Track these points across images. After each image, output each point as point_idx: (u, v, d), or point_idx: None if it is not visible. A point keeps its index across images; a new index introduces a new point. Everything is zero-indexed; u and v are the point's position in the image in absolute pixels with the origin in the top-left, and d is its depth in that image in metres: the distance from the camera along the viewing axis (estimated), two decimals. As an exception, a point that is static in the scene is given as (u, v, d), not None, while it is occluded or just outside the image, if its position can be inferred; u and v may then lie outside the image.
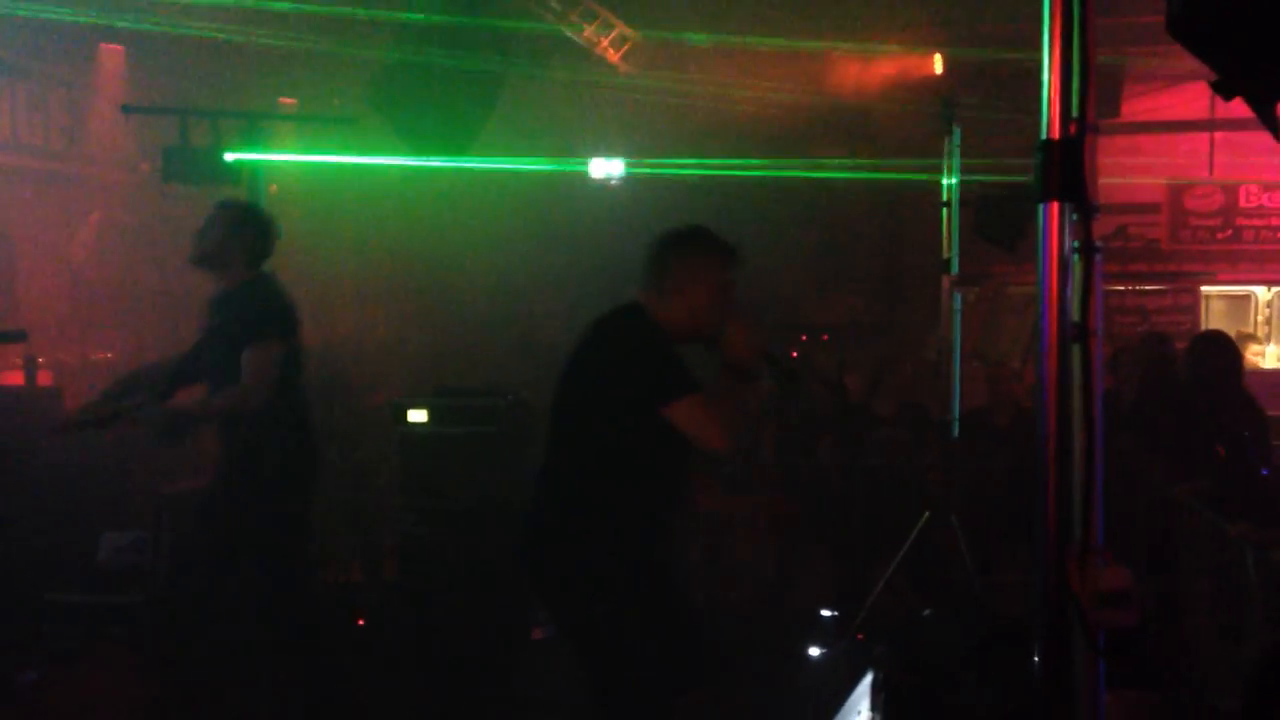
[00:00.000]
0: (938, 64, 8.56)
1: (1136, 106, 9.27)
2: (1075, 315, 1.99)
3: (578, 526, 3.10)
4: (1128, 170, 9.21)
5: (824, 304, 9.11)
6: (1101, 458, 1.99)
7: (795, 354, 7.33)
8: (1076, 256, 2.01)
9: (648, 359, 3.07)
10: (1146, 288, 9.31)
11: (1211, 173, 9.50)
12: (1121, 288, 9.21)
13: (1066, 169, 2.01)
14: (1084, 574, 1.93)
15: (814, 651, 3.72)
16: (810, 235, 9.18)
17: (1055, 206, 2.01)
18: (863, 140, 8.43)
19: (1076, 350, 1.98)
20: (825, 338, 7.88)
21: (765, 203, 8.47)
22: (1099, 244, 2.05)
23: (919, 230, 6.12)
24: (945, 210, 5.42)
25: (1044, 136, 2.02)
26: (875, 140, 8.24)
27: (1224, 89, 2.12)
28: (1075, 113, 1.97)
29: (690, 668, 3.15)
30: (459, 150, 7.79)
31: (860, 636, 4.12)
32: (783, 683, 3.83)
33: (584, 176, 8.95)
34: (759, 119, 8.58)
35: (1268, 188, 9.31)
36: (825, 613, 3.81)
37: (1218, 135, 9.31)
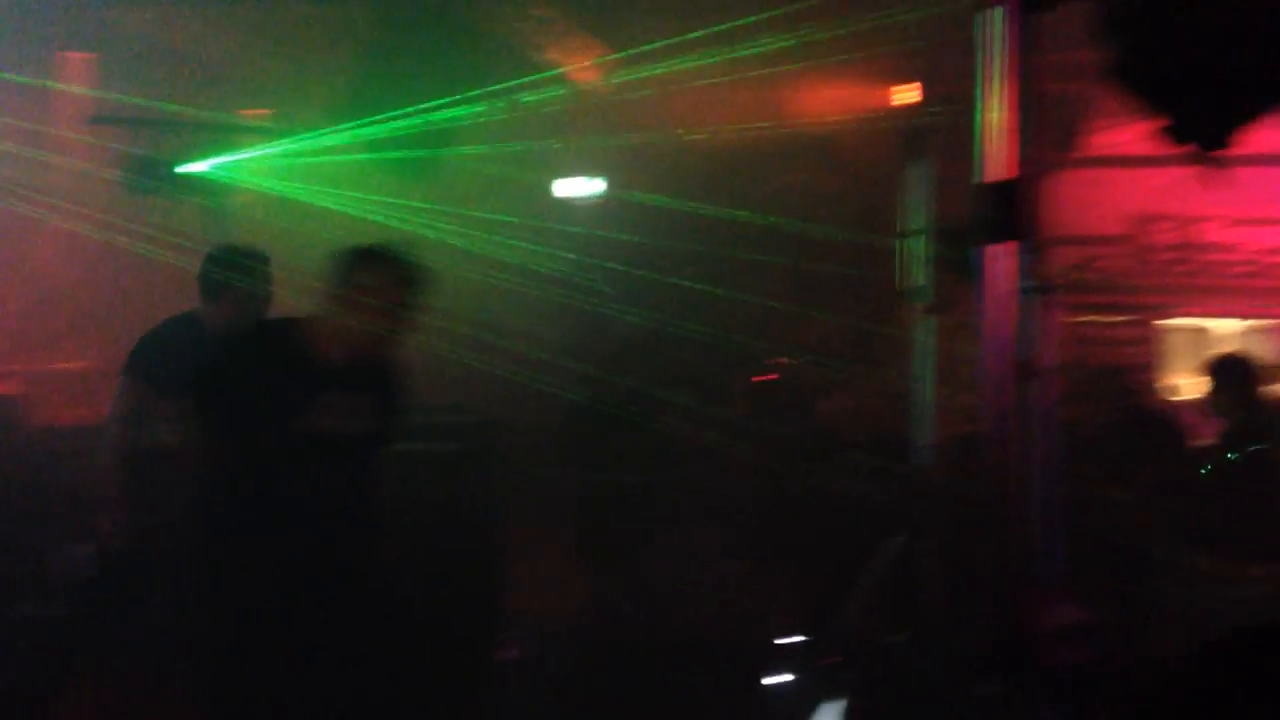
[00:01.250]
0: (904, 94, 8.63)
1: (1103, 140, 9.36)
2: (1027, 353, 2.02)
3: None
4: (1093, 203, 9.30)
5: (799, 329, 9.14)
6: (1057, 494, 2.01)
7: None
8: (1028, 295, 2.04)
9: None
10: (1108, 319, 9.41)
11: (1174, 207, 9.61)
12: (1084, 319, 9.31)
13: (1013, 210, 2.04)
14: (1038, 610, 1.94)
15: (771, 680, 3.70)
16: (780, 263, 9.21)
17: (1002, 246, 2.04)
18: (833, 168, 8.48)
19: (1029, 387, 2.00)
20: (798, 363, 7.91)
21: (735, 226, 8.51)
22: (1052, 282, 2.08)
23: (889, 258, 6.13)
24: (910, 239, 5.45)
25: (991, 178, 2.04)
26: (847, 168, 8.29)
27: (1174, 134, 2.16)
28: (1024, 154, 2.01)
29: None
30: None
31: (830, 660, 4.11)
32: (737, 713, 3.82)
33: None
34: (720, 145, 8.63)
35: (1230, 223, 9.43)
36: (783, 640, 3.79)
37: (1181, 170, 9.43)
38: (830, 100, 8.47)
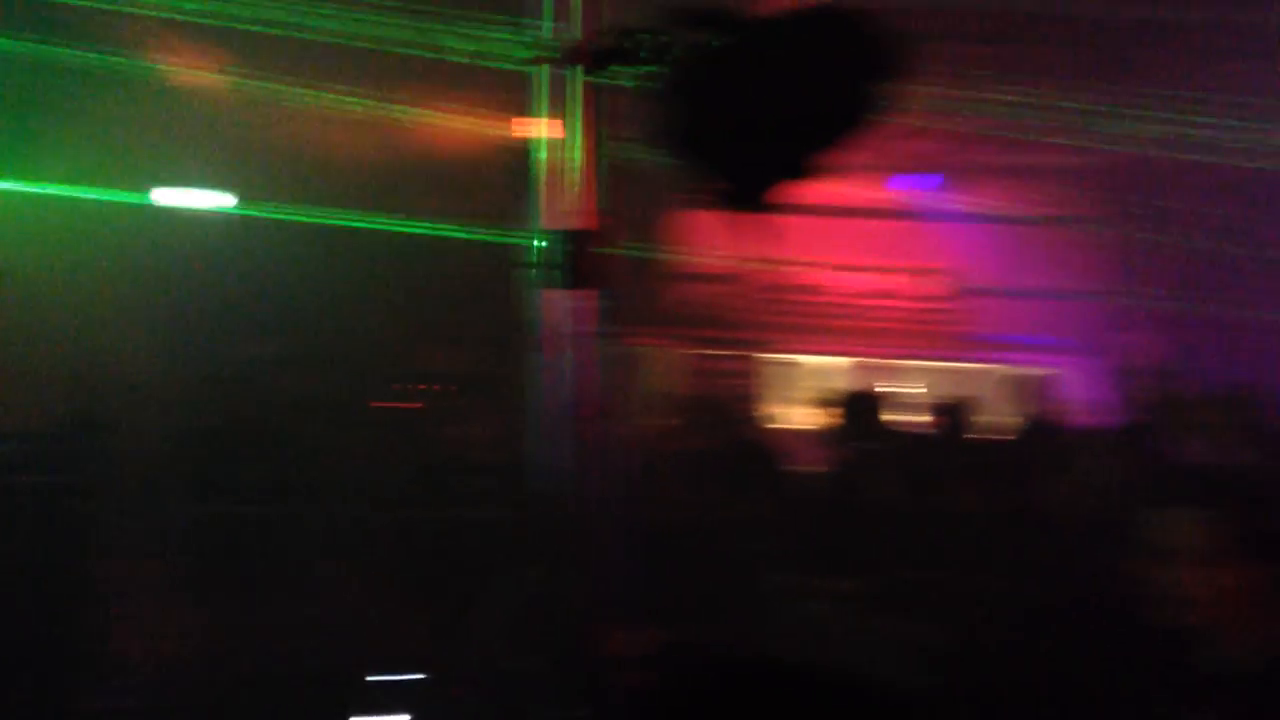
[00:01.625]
0: (519, 129, 8.80)
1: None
2: (605, 391, 2.13)
3: None
4: (702, 244, 9.92)
5: (439, 357, 9.09)
6: (637, 524, 2.12)
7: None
8: (604, 338, 2.15)
9: None
10: (715, 353, 10.07)
11: (777, 251, 10.40)
12: (695, 351, 9.94)
13: (589, 258, 2.16)
14: (617, 636, 2.04)
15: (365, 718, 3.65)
16: (414, 290, 9.14)
17: (573, 292, 2.15)
18: (454, 197, 8.54)
19: (607, 423, 2.11)
20: (453, 389, 7.88)
21: (369, 254, 8.39)
22: (627, 327, 2.21)
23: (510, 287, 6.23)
24: (526, 270, 5.55)
25: (560, 228, 2.15)
26: (468, 198, 8.38)
27: (707, 196, 2.36)
28: (602, 206, 2.13)
29: None
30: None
31: (445, 691, 4.09)
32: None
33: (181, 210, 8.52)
34: (355, 168, 8.51)
35: (827, 269, 10.36)
36: (375, 678, 3.74)
37: (788, 218, 10.21)
38: (455, 132, 8.52)
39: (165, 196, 8.71)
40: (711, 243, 9.88)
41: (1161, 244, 9.85)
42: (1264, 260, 9.49)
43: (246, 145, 8.60)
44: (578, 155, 2.14)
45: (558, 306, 2.13)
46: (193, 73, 8.45)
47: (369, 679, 3.65)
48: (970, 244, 10.01)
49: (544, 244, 2.15)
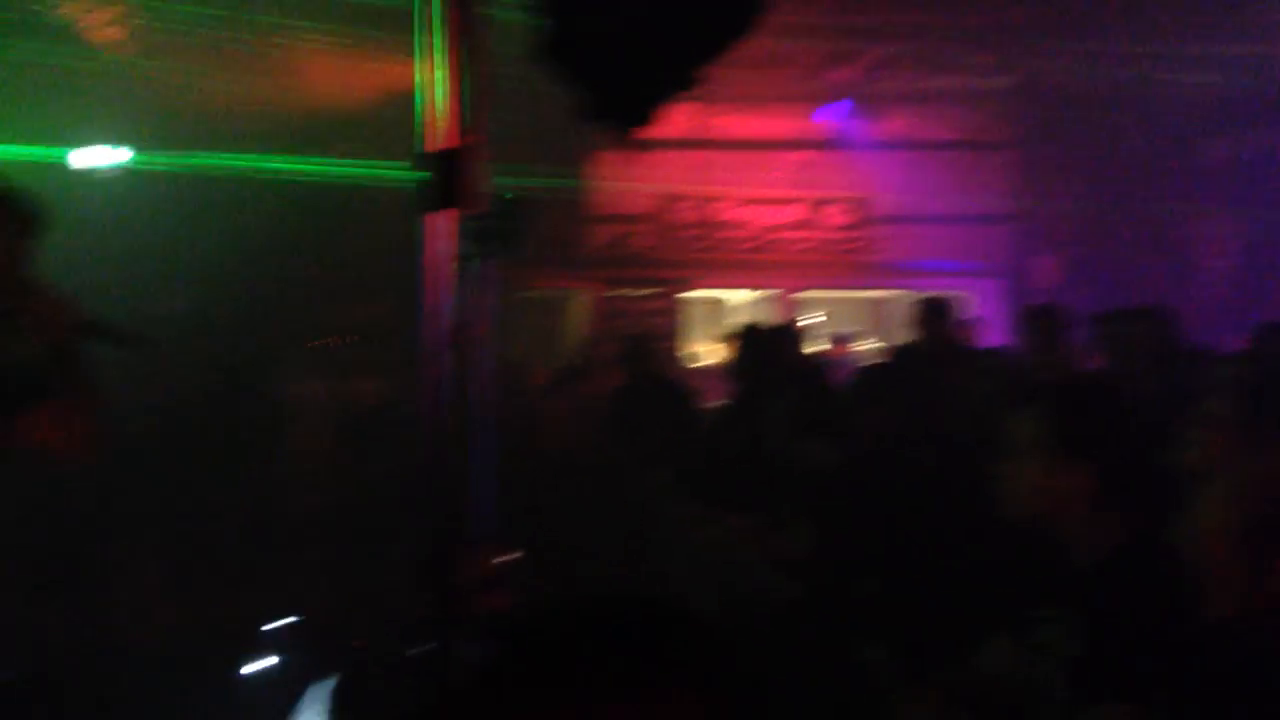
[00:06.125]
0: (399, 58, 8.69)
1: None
2: (462, 319, 2.11)
3: None
4: (623, 183, 9.89)
5: (346, 307, 8.99)
6: (490, 450, 2.12)
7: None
8: (464, 263, 2.13)
9: None
10: (636, 292, 10.08)
11: (694, 187, 10.40)
12: (615, 292, 9.95)
13: (454, 180, 2.12)
14: (462, 561, 2.04)
15: (251, 668, 3.63)
16: (319, 238, 9.02)
17: (440, 215, 2.12)
18: (355, 142, 8.41)
19: (465, 351, 2.10)
20: (355, 339, 7.79)
21: (274, 204, 8.25)
22: (487, 251, 2.18)
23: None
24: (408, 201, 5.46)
25: (428, 148, 2.12)
26: (374, 143, 8.25)
27: (591, 115, 2.32)
28: (466, 125, 2.09)
29: None
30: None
31: (358, 643, 4.08)
32: (224, 702, 3.72)
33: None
34: (251, 114, 8.34)
35: (741, 203, 10.37)
36: (276, 624, 3.72)
37: (700, 153, 10.20)
38: (341, 68, 8.36)
39: (80, 157, 8.48)
40: (624, 178, 9.85)
41: (1068, 165, 9.98)
42: (1165, 181, 9.66)
43: (137, 95, 8.40)
44: (437, 79, 2.10)
45: (437, 236, 2.11)
46: (83, 22, 8.22)
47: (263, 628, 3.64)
48: (880, 171, 10.08)
49: (420, 170, 2.11)
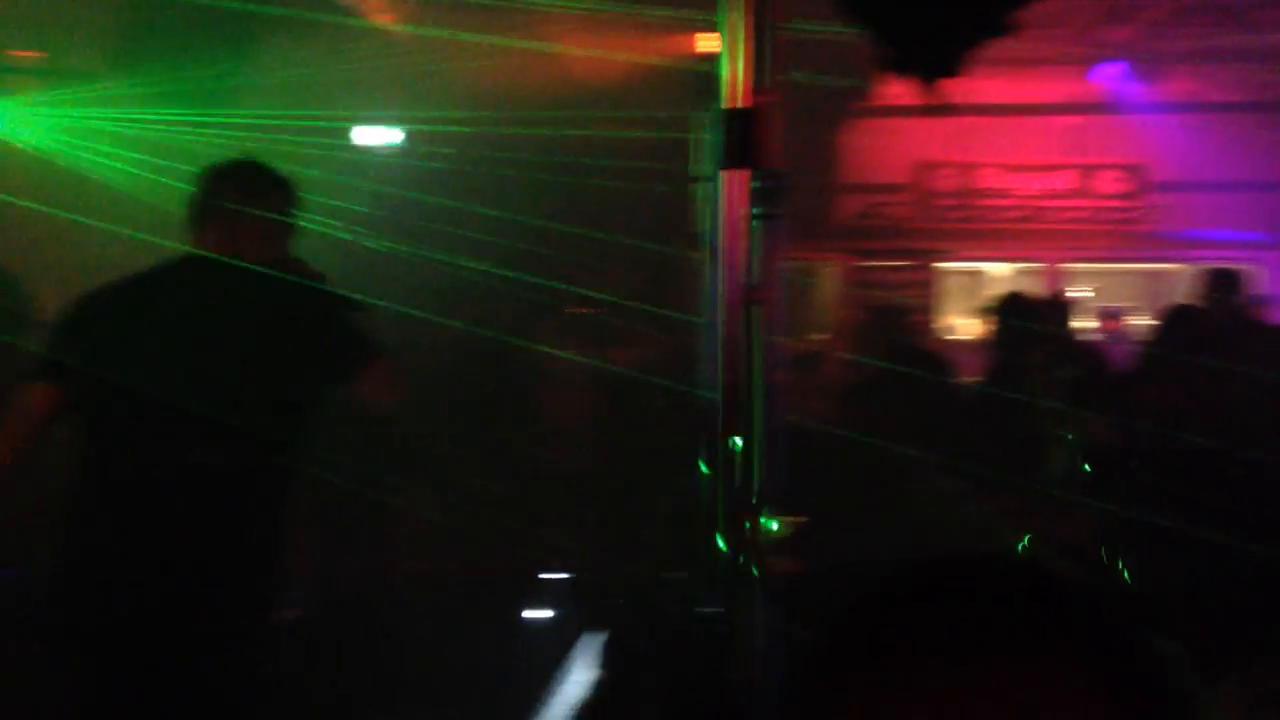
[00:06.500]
0: (703, 42, 8.74)
1: (889, 90, 9.70)
2: (755, 279, 2.08)
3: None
4: (878, 151, 9.66)
5: (600, 279, 9.17)
6: (779, 412, 2.10)
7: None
8: (759, 222, 2.10)
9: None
10: (890, 263, 9.84)
11: (954, 155, 10.05)
12: (868, 263, 9.74)
13: (748, 138, 2.09)
14: (753, 525, 2.03)
15: (531, 615, 3.76)
16: (576, 209, 9.22)
17: (736, 174, 2.10)
18: (623, 115, 8.53)
19: (753, 311, 2.07)
20: (602, 311, 7.95)
21: (542, 174, 8.49)
22: (780, 211, 2.14)
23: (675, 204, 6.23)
24: (699, 186, 5.48)
25: (725, 105, 2.10)
26: (637, 114, 8.36)
27: (893, 65, 2.24)
28: (760, 83, 2.06)
29: None
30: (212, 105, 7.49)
31: (599, 595, 4.18)
32: (493, 649, 3.87)
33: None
34: (518, 83, 8.59)
35: (1005, 170, 9.95)
36: (546, 575, 3.84)
37: (960, 120, 9.86)
38: (624, 45, 8.50)
39: (362, 135, 8.99)
40: (882, 146, 9.61)
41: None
42: None
43: (416, 70, 8.77)
44: (734, 36, 2.08)
45: (732, 195, 2.09)
46: (371, 13, 8.67)
47: (540, 575, 3.77)
48: (1158, 136, 9.43)
49: (715, 128, 2.11)
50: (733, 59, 2.13)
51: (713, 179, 2.15)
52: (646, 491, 5.12)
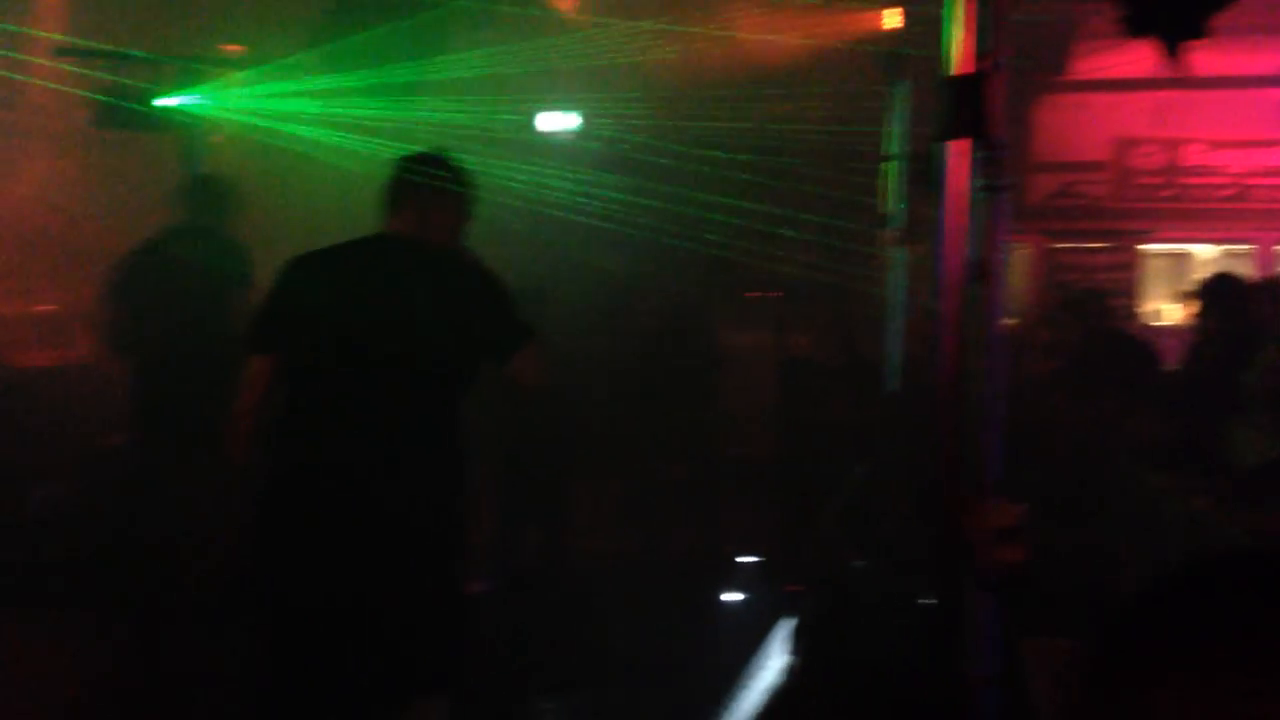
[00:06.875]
0: (887, 19, 8.54)
1: (1085, 64, 9.27)
2: (977, 253, 1.99)
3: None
4: (1075, 128, 9.24)
5: (773, 260, 9.09)
6: (1001, 398, 1.99)
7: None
8: (980, 195, 2.00)
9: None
10: (1088, 245, 9.41)
11: (1157, 131, 9.55)
12: (1064, 245, 9.33)
13: (972, 106, 1.99)
14: (975, 512, 1.93)
15: (729, 597, 3.73)
16: (755, 190, 9.14)
17: (960, 144, 2.00)
18: (804, 96, 8.39)
19: (977, 289, 1.98)
20: (779, 294, 7.87)
21: (718, 162, 8.44)
22: (1004, 183, 2.04)
23: (857, 185, 6.10)
24: (889, 165, 5.36)
25: (950, 73, 2.00)
26: (818, 93, 8.22)
27: (1135, 25, 2.11)
28: (984, 50, 1.96)
29: None
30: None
31: (792, 587, 4.14)
32: (694, 628, 3.85)
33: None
34: (702, 70, 8.54)
35: (1212, 146, 9.39)
36: (743, 559, 3.80)
37: (1164, 93, 9.35)
38: (813, 24, 8.36)
39: (544, 120, 9.13)
40: (1080, 122, 9.20)
41: None
42: None
43: (597, 57, 8.83)
44: (958, 3, 2.00)
45: (957, 166, 2.01)
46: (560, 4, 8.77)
47: (739, 559, 3.75)
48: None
49: (941, 97, 2.03)
50: (956, 24, 2.03)
51: (912, 157, 2.07)
52: (831, 479, 5.04)
